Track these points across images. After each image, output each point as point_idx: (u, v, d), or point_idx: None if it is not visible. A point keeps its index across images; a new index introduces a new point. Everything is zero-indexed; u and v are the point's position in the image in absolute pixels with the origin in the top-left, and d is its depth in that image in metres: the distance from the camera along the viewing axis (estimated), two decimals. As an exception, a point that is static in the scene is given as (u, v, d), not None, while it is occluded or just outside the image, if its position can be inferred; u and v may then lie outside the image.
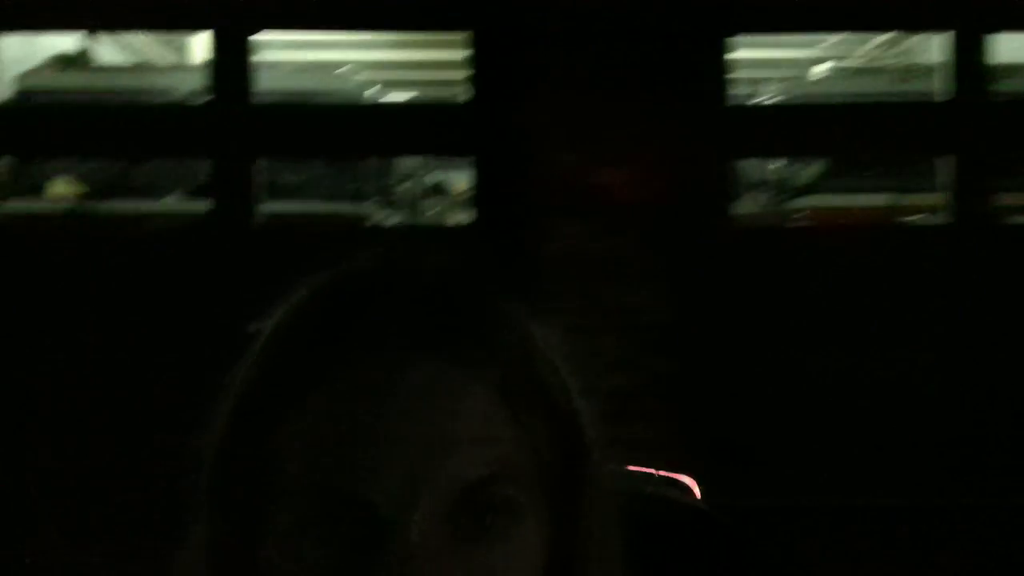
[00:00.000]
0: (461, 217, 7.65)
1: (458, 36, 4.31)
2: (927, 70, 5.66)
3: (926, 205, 5.74)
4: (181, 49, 7.76)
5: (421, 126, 4.38)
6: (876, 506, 3.56)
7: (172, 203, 5.58)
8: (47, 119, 4.60)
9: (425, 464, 0.47)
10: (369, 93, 6.27)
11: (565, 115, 3.66)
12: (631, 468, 0.62)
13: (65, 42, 6.52)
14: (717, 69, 3.88)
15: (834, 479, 3.63)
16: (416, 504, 0.47)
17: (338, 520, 0.47)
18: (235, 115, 4.20)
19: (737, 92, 4.26)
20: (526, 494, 0.49)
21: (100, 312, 4.04)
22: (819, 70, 6.76)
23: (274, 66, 6.43)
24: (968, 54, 4.12)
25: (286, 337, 0.52)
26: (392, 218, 6.52)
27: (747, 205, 5.80)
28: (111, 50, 7.19)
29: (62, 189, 5.88)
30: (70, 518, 3.65)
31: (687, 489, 0.91)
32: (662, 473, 0.88)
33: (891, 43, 7.70)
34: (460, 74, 4.42)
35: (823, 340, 3.82)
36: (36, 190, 5.77)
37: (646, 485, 0.65)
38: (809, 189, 6.12)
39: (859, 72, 7.04)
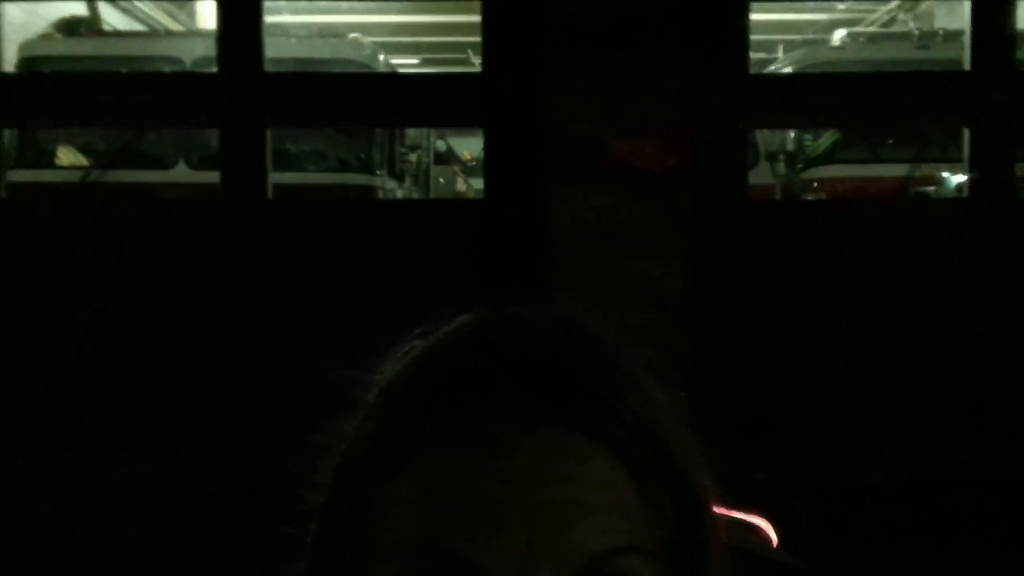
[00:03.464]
0: (471, 188, 7.59)
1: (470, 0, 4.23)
2: (947, 35, 5.57)
3: (942, 176, 5.69)
4: (190, 15, 7.66)
5: (432, 94, 4.32)
6: (895, 481, 3.55)
7: (182, 173, 5.54)
8: (52, 87, 4.54)
9: (547, 532, 0.45)
10: (381, 60, 6.19)
11: (580, 82, 3.59)
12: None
13: (69, 7, 6.43)
14: (738, 33, 3.80)
15: (854, 453, 3.61)
16: (536, 575, 0.44)
17: None
18: (245, 83, 4.14)
19: (756, 57, 4.19)
20: (652, 568, 0.47)
21: (111, 284, 4.01)
22: (838, 34, 6.66)
23: (284, 31, 6.35)
24: (986, 21, 4.03)
25: (401, 394, 0.50)
26: (401, 189, 6.47)
27: (762, 175, 5.75)
28: (117, 17, 7.10)
29: (68, 159, 5.83)
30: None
31: (765, 535, 0.88)
32: (736, 514, 0.85)
33: (906, 7, 7.59)
34: (472, 38, 4.35)
35: (842, 312, 3.79)
36: (42, 161, 5.72)
37: (734, 536, 0.62)
38: (823, 159, 6.06)
39: (876, 38, 6.94)
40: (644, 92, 3.52)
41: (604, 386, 0.49)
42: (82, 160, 5.79)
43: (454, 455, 0.47)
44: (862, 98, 4.06)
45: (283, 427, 3.59)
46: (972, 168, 4.21)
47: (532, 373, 0.48)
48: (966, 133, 4.26)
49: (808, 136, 6.23)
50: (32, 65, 5.39)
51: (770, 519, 0.95)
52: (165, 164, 5.62)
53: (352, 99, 4.27)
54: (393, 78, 5.78)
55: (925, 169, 5.77)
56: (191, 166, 5.57)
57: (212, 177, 4.44)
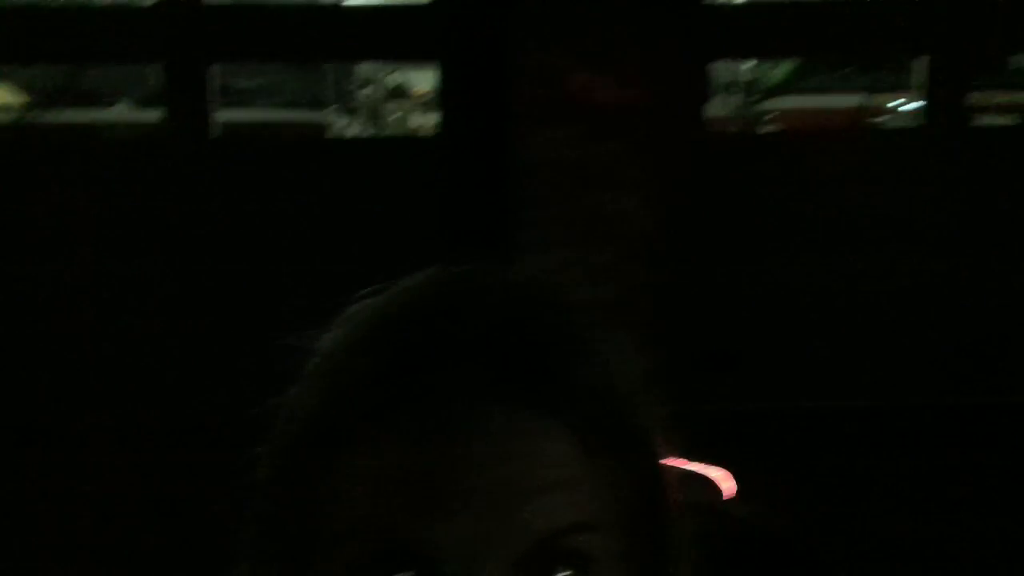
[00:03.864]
0: (426, 123, 7.46)
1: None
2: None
3: (896, 106, 5.71)
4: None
5: (383, 27, 4.19)
6: (854, 407, 3.63)
7: (123, 112, 5.34)
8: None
9: (497, 514, 0.43)
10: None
11: (538, 16, 3.50)
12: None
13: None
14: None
15: (815, 381, 3.67)
16: (486, 558, 0.43)
17: (396, 568, 0.43)
18: (187, 18, 3.97)
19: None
20: (605, 545, 0.46)
21: (51, 225, 3.87)
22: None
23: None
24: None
25: (347, 366, 0.47)
26: (353, 127, 6.31)
27: (720, 107, 5.72)
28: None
29: (3, 98, 5.59)
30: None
31: (720, 488, 0.86)
32: (693, 466, 0.82)
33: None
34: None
35: (801, 241, 3.81)
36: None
37: (691, 492, 0.59)
38: (780, 90, 6.04)
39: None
40: (603, 25, 3.45)
41: (559, 361, 0.47)
42: (19, 98, 5.56)
43: (401, 435, 0.45)
44: (818, 27, 4.04)
45: (233, 375, 3.53)
46: (928, 97, 4.23)
47: (484, 347, 0.46)
48: (920, 62, 4.27)
49: (765, 67, 6.20)
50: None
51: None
52: (105, 102, 5.42)
53: (298, 33, 4.14)
54: (342, 10, 5.59)
55: (880, 99, 5.79)
56: (133, 104, 5.38)
57: (156, 116, 4.29)
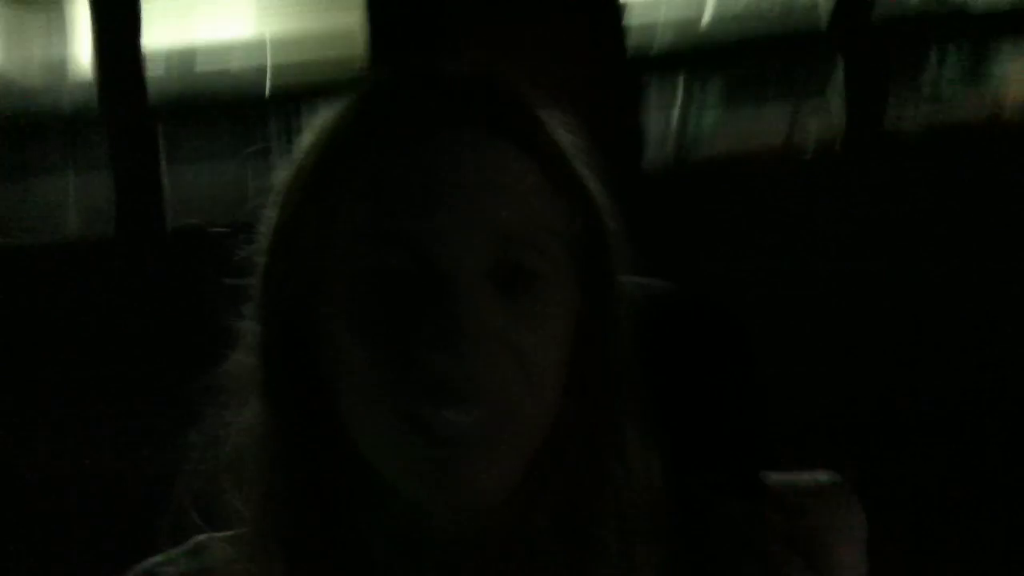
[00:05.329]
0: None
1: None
2: (807, 8, 5.88)
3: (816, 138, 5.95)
4: None
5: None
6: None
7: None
8: None
9: (475, 206, 0.52)
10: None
11: (462, 38, 3.61)
12: None
13: None
14: (616, 16, 3.93)
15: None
16: (468, 240, 0.51)
17: (390, 269, 0.52)
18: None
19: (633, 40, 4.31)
20: (561, 248, 0.54)
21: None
22: (706, 16, 6.92)
23: None
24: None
25: (330, 128, 0.55)
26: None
27: (653, 154, 5.91)
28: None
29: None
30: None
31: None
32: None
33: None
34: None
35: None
36: None
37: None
38: (708, 134, 6.27)
39: (742, 16, 7.23)
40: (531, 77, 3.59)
41: (516, 98, 0.55)
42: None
43: (389, 158, 0.52)
44: (728, 72, 4.23)
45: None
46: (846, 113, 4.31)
47: (459, 98, 0.54)
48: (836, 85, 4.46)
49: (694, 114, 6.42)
50: None
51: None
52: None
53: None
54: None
55: (805, 117, 5.99)
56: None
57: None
